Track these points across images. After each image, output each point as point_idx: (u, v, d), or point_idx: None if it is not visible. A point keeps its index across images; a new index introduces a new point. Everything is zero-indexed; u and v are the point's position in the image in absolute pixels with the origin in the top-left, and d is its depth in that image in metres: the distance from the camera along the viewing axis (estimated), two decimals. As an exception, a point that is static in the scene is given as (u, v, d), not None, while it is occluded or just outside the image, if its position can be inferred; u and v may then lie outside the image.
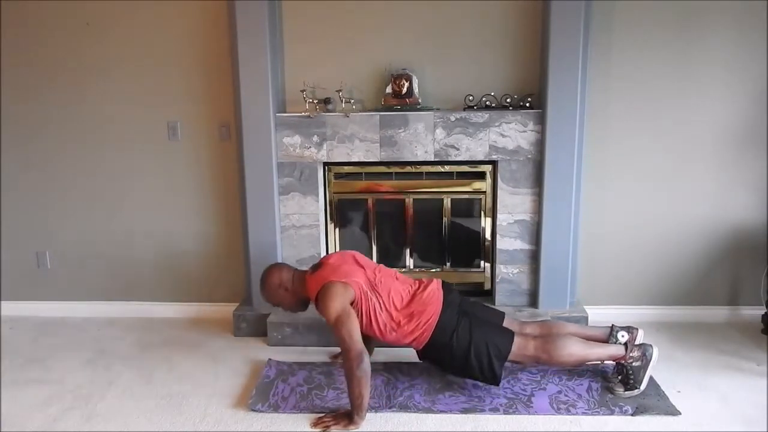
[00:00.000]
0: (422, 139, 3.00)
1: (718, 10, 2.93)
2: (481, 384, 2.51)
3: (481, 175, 3.12)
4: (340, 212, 3.27)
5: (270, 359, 2.81)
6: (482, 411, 2.38)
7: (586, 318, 3.01)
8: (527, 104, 2.96)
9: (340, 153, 3.05)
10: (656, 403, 2.41)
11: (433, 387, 2.55)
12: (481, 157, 3.01)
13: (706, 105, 3.03)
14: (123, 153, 3.28)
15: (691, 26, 2.95)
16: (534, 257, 3.08)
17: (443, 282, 2.60)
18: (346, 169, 3.17)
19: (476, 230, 3.21)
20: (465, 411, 2.38)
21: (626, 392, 2.45)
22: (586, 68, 2.93)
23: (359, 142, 3.03)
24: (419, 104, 3.02)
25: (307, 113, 3.01)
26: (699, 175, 3.10)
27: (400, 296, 2.48)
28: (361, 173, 3.17)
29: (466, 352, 2.38)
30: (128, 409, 2.47)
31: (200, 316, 3.40)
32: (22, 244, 3.44)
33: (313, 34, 3.07)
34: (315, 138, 3.04)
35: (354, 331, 2.28)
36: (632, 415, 2.34)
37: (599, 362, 2.62)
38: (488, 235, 3.19)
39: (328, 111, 3.04)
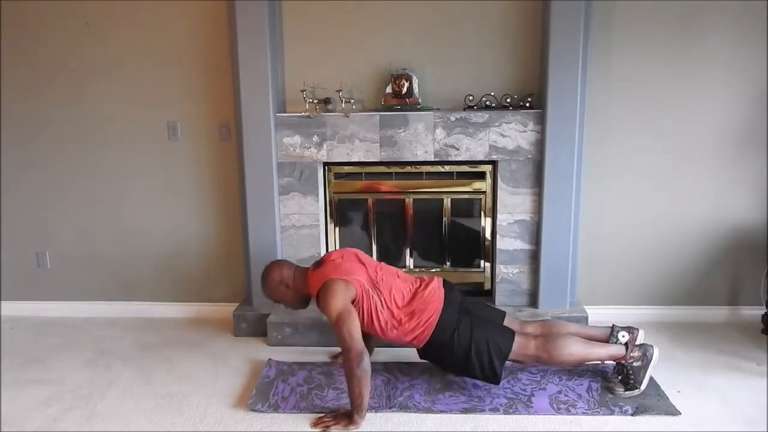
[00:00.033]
0: (422, 139, 3.00)
1: (718, 10, 2.93)
2: (481, 384, 2.51)
3: (481, 175, 3.12)
4: (340, 212, 3.27)
5: (270, 359, 2.81)
6: (482, 411, 2.38)
7: (586, 318, 3.01)
8: (527, 104, 2.96)
9: (340, 153, 3.05)
10: (656, 403, 2.41)
11: (433, 387, 2.55)
12: (481, 157, 3.01)
13: (706, 105, 3.03)
14: (123, 153, 3.28)
15: (691, 26, 2.96)
16: (534, 257, 3.08)
17: (444, 281, 2.60)
18: (346, 169, 3.17)
19: (476, 230, 3.21)
20: (465, 411, 2.38)
21: (626, 392, 2.45)
22: (586, 68, 2.93)
23: (359, 142, 3.03)
24: (419, 104, 3.02)
25: (307, 113, 3.01)
26: (699, 175, 3.10)
27: (401, 294, 2.48)
28: (361, 173, 3.17)
29: (467, 351, 2.38)
30: (128, 409, 2.47)
31: (200, 316, 3.40)
32: (22, 244, 3.44)
33: (313, 34, 3.07)
34: (315, 138, 3.04)
35: (354, 330, 2.28)
36: (632, 415, 2.34)
37: (599, 362, 2.63)
38: (488, 235, 3.19)
39: (328, 111, 3.04)
